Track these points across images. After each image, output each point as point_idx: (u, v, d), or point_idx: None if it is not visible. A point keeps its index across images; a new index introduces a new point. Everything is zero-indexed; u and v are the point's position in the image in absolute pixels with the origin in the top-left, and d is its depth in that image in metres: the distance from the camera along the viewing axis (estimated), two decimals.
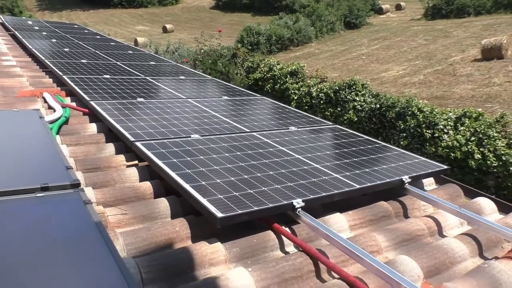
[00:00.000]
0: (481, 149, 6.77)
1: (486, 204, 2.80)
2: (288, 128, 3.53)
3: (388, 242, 2.22)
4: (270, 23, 29.48)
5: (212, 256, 1.89)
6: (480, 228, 2.38)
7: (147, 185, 2.49)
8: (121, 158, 2.88)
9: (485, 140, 6.75)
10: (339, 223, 2.34)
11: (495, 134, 6.76)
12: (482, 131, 6.85)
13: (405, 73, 19.95)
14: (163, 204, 2.29)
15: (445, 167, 2.96)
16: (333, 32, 31.35)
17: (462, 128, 7.31)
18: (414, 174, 2.73)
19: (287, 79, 11.24)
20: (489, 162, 6.58)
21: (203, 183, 2.22)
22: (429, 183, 3.19)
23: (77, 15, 45.08)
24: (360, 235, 2.21)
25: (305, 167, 2.64)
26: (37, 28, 9.13)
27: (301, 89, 10.78)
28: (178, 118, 3.45)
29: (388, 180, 2.58)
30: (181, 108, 3.78)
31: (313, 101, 10.16)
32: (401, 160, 2.99)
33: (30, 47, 6.37)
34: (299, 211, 2.13)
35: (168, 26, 38.09)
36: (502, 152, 6.55)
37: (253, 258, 1.98)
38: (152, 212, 2.23)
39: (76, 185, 1.98)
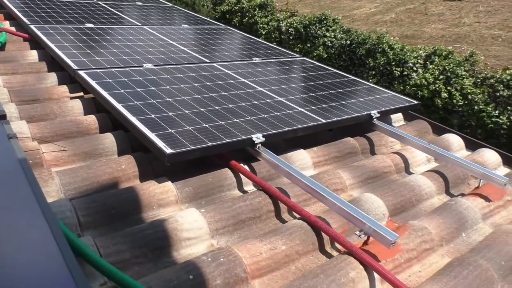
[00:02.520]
0: (448, 88, 6.74)
1: (454, 141, 2.71)
2: (252, 60, 3.26)
3: (353, 179, 2.10)
4: None
5: (161, 196, 1.70)
6: (447, 164, 2.29)
7: (91, 119, 2.23)
8: (64, 89, 2.57)
9: (453, 79, 6.70)
10: (302, 160, 2.19)
11: (463, 73, 6.72)
12: (451, 69, 6.78)
13: (377, 11, 19.52)
14: (109, 139, 2.05)
15: (415, 102, 2.82)
16: None
17: (431, 66, 7.21)
18: (384, 109, 2.57)
19: (255, 12, 10.70)
20: (455, 100, 6.58)
21: (153, 116, 1.97)
22: (397, 119, 3.06)
23: None
24: (324, 172, 2.06)
25: (268, 101, 2.43)
26: None
27: (270, 23, 10.30)
28: (130, 46, 3.10)
29: (356, 114, 2.41)
30: (135, 36, 3.42)
31: (282, 36, 9.76)
32: (370, 94, 2.82)
33: None
34: (259, 147, 1.95)
35: None
36: (469, 91, 6.54)
37: (207, 198, 1.81)
38: (95, 148, 1.99)
39: (0, 117, 1.70)
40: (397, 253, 1.55)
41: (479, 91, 6.47)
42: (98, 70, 2.48)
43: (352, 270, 1.40)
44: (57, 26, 3.29)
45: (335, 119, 2.30)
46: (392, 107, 2.64)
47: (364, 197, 1.85)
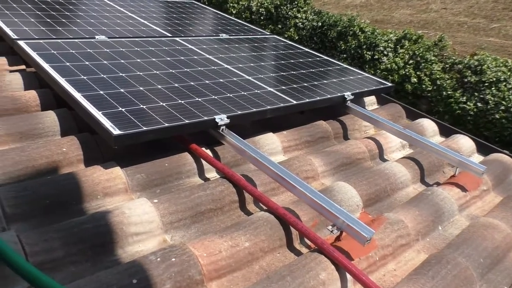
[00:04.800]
0: (418, 73, 6.70)
1: (428, 126, 2.60)
2: (219, 36, 3.02)
3: (325, 166, 1.93)
4: None
5: (108, 184, 1.47)
6: (423, 151, 2.16)
7: (31, 95, 1.95)
8: (2, 61, 2.27)
9: (423, 64, 6.66)
10: (271, 144, 2.00)
11: (432, 58, 6.69)
12: (420, 54, 6.73)
13: None
14: (50, 118, 1.79)
15: (390, 84, 2.68)
16: None
17: (401, 50, 7.15)
18: (357, 91, 2.41)
19: None
20: (424, 86, 6.55)
21: (101, 92, 1.73)
22: (370, 102, 2.92)
23: None
24: (294, 158, 1.88)
25: (234, 79, 2.22)
26: None
27: (240, 2, 9.99)
28: (82, 16, 2.80)
29: (328, 96, 2.24)
30: (89, 6, 3.10)
31: (253, 17, 9.48)
32: (343, 75, 2.65)
33: None
34: (222, 129, 1.74)
35: None
36: (438, 76, 6.52)
37: (162, 187, 1.59)
38: (34, 128, 1.73)
39: None
40: (372, 250, 1.39)
41: (447, 77, 6.47)
42: (41, 41, 2.18)
43: (323, 270, 1.24)
44: None
45: (307, 100, 2.11)
46: (366, 89, 2.49)
47: (337, 186, 1.69)
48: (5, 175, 1.44)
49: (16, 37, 2.17)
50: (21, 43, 2.10)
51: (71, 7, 2.97)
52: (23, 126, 1.70)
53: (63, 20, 2.61)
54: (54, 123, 1.78)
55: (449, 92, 6.37)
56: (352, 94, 2.34)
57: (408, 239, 1.54)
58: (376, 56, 7.20)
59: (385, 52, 7.17)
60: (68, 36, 2.35)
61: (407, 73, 6.72)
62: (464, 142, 2.44)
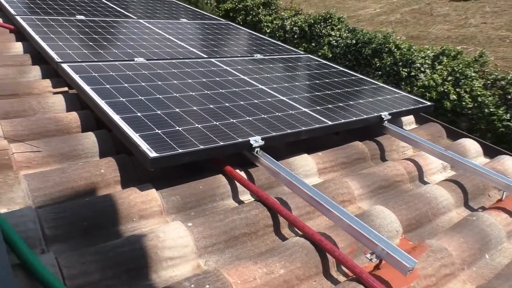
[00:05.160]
0: (457, 90, 6.50)
1: (471, 146, 2.49)
2: (253, 56, 3.04)
3: (362, 189, 1.88)
4: None
5: (144, 206, 1.48)
6: (465, 173, 2.07)
7: (72, 116, 2.01)
8: (47, 83, 2.36)
9: (462, 80, 6.46)
10: (306, 166, 1.97)
11: (473, 74, 6.48)
12: (460, 70, 6.54)
13: (382, 11, 19.29)
14: (90, 139, 1.83)
15: (429, 103, 2.60)
16: None
17: (439, 67, 6.98)
18: (395, 111, 2.35)
19: (259, 11, 10.49)
20: (464, 103, 6.34)
21: (139, 114, 1.76)
22: (408, 122, 2.84)
23: None
24: (330, 181, 1.84)
25: (269, 99, 2.21)
26: None
27: (274, 21, 10.10)
28: (122, 39, 2.89)
29: (365, 116, 2.19)
30: (129, 29, 3.21)
31: (287, 35, 9.55)
32: (379, 94, 2.60)
33: None
34: (257, 151, 1.73)
35: None
36: (478, 93, 6.30)
37: (197, 209, 1.59)
38: (74, 149, 1.77)
39: None
40: (414, 280, 1.33)
41: (489, 93, 6.24)
42: (83, 64, 2.26)
43: None
44: (45, 17, 3.08)
45: (343, 121, 2.08)
46: (403, 108, 2.42)
47: (375, 211, 1.63)
48: (46, 196, 1.48)
49: (60, 60, 2.26)
50: (65, 66, 2.18)
51: (112, 30, 3.07)
52: (64, 148, 1.75)
53: (105, 43, 2.71)
54: (93, 144, 1.82)
55: (491, 109, 6.13)
56: (389, 114, 2.28)
57: (453, 268, 1.46)
58: (413, 73, 7.06)
59: (422, 69, 7.02)
60: (108, 58, 2.43)
61: (446, 90, 6.53)
62: (511, 164, 2.32)
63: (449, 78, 6.61)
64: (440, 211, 1.82)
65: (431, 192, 1.87)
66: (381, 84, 2.79)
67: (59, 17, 3.16)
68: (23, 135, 1.86)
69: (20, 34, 3.00)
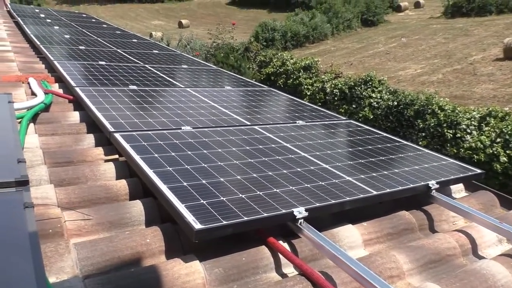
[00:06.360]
0: (507, 152, 6.25)
1: None
2: (295, 122, 3.10)
3: (411, 263, 1.79)
4: (286, 19, 28.95)
5: (187, 278, 1.48)
6: None
7: (122, 184, 2.10)
8: (99, 151, 2.49)
9: None
10: (351, 237, 1.92)
11: None
12: (509, 132, 6.32)
13: (423, 72, 19.32)
14: (137, 208, 1.89)
15: (479, 171, 2.50)
16: (350, 29, 30.63)
17: (486, 128, 6.78)
18: (443, 179, 2.28)
19: (300, 74, 10.80)
20: None
21: (185, 184, 1.81)
22: (457, 189, 2.73)
23: (95, 9, 44.92)
24: (376, 254, 1.77)
25: (312, 168, 2.22)
26: (42, 15, 8.84)
27: (314, 84, 10.34)
28: (171, 108, 3.05)
29: (411, 185, 2.14)
30: (177, 97, 3.38)
31: (327, 98, 9.71)
32: (426, 161, 2.54)
33: (29, 32, 6.05)
34: (301, 222, 1.71)
35: (183, 21, 37.75)
36: None
37: (240, 282, 1.56)
38: (122, 217, 1.83)
39: (22, 183, 1.59)
40: None
41: None
42: (134, 133, 2.39)
43: None
44: (101, 88, 3.33)
45: (388, 190, 2.03)
46: (452, 176, 2.34)
47: None
48: (93, 265, 1.52)
49: (113, 130, 2.40)
50: (117, 135, 2.31)
51: (161, 99, 3.26)
52: (113, 216, 1.81)
53: (154, 112, 2.86)
54: (140, 212, 1.87)
55: None
56: (437, 183, 2.21)
57: None
58: (459, 135, 6.89)
59: (468, 130, 6.84)
60: (157, 127, 2.56)
61: (495, 152, 6.30)
62: None
63: (498, 139, 6.39)
64: None
65: (487, 268, 1.75)
66: (427, 151, 2.74)
67: (113, 87, 3.40)
68: (75, 203, 1.94)
69: (78, 104, 3.24)
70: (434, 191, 2.21)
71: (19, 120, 2.60)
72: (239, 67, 13.35)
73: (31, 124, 2.75)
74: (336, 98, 9.50)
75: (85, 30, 7.38)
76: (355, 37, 29.33)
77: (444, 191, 2.56)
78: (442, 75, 18.34)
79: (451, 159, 2.68)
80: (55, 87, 3.72)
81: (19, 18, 7.69)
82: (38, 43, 5.21)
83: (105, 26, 8.83)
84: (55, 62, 4.08)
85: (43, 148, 2.44)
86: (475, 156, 6.38)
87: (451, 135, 6.87)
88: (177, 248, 1.70)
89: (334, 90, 9.55)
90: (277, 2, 41.66)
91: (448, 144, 6.90)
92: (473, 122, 6.88)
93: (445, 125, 7.03)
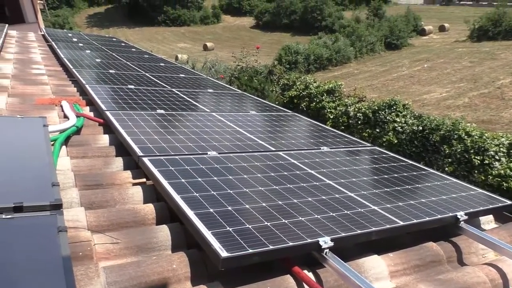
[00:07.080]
0: None
1: None
2: (320, 149, 3.11)
3: None
4: (309, 42, 29.25)
5: None
6: None
7: (149, 208, 2.14)
8: (127, 174, 2.55)
9: None
10: (377, 268, 1.89)
11: None
12: None
13: (449, 96, 19.07)
14: (164, 232, 1.92)
15: (509, 202, 2.44)
16: (373, 52, 30.68)
17: None
18: (471, 210, 2.23)
19: (323, 97, 10.83)
20: None
21: (211, 210, 1.84)
22: (486, 220, 2.66)
23: (123, 32, 46.50)
24: (403, 287, 1.74)
25: (337, 196, 2.21)
26: (75, 39, 9.21)
27: (338, 108, 10.33)
28: (197, 132, 3.11)
29: (439, 216, 2.11)
30: (203, 122, 3.45)
31: (350, 121, 9.67)
32: (453, 191, 2.50)
33: (62, 56, 6.31)
34: (326, 252, 1.71)
35: (208, 44, 38.64)
36: None
37: None
38: (149, 242, 1.86)
39: (56, 206, 1.65)
40: None
41: None
42: (161, 157, 2.44)
43: None
44: (130, 112, 3.42)
45: (415, 221, 2.01)
46: (481, 208, 2.30)
47: None
48: None
49: (141, 154, 2.46)
50: (145, 159, 2.37)
51: (187, 123, 3.33)
52: (140, 240, 1.85)
53: (181, 137, 2.92)
54: (166, 237, 1.90)
55: None
56: (465, 214, 2.17)
57: None
58: (486, 161, 6.73)
59: (497, 157, 6.68)
60: (184, 152, 2.61)
61: None
62: None
63: None
64: None
65: None
66: (455, 180, 2.69)
67: (142, 111, 3.49)
68: (104, 226, 1.99)
69: (107, 127, 3.34)
70: (462, 222, 2.17)
71: (52, 143, 2.70)
72: (263, 90, 13.49)
73: (63, 146, 2.84)
74: (359, 122, 9.46)
75: (115, 54, 7.64)
76: (378, 60, 29.31)
77: (472, 222, 2.50)
78: (469, 99, 18.06)
79: (479, 186, 2.63)
80: (86, 110, 3.85)
81: (53, 42, 8.03)
82: (71, 66, 5.43)
83: (133, 50, 9.12)
84: (87, 86, 4.23)
85: (74, 171, 2.52)
86: (504, 184, 6.21)
87: (478, 161, 6.72)
88: (203, 275, 1.71)
89: (358, 114, 9.51)
90: (300, 25, 42.23)
91: (476, 171, 6.74)
92: (501, 149, 6.72)
93: (472, 151, 6.89)
